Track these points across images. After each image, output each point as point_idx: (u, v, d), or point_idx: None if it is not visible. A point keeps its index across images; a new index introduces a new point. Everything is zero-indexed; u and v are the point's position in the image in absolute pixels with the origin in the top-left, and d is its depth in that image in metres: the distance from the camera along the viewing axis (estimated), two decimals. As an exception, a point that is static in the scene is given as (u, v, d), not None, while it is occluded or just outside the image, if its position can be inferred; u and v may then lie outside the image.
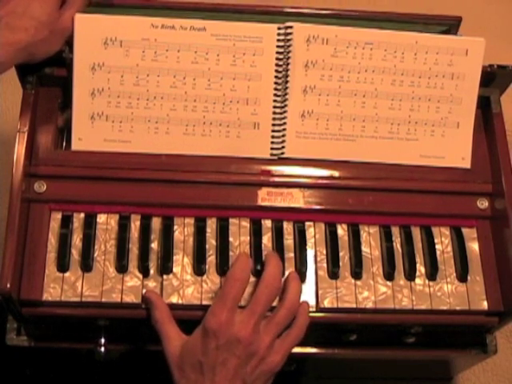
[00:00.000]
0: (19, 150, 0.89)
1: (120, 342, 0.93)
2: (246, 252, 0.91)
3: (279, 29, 0.93)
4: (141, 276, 0.89)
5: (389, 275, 0.92)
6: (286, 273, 0.90)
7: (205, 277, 0.90)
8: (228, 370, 0.81)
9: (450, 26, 1.00)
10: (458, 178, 0.97)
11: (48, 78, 0.94)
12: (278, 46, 0.93)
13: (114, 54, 0.92)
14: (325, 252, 0.93)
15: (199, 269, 0.90)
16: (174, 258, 0.90)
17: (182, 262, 0.90)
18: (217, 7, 0.97)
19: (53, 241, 0.90)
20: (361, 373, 1.12)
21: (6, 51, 0.85)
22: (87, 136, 0.93)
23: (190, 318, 0.86)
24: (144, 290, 0.89)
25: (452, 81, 0.96)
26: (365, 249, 0.93)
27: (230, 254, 0.91)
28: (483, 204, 0.96)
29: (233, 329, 0.82)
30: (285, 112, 0.95)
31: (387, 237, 0.94)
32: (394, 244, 0.94)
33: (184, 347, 0.83)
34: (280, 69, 0.94)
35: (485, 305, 0.92)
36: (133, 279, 0.89)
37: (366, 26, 0.95)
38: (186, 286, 0.89)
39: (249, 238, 0.93)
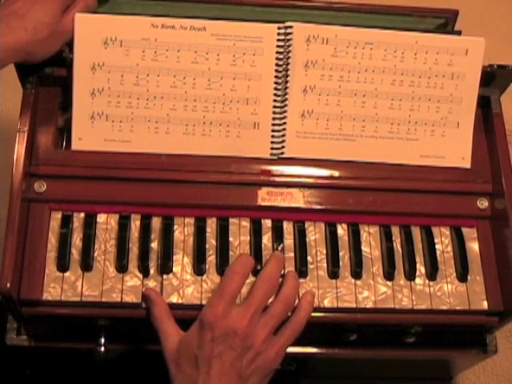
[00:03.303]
0: (19, 149, 0.89)
1: (120, 342, 0.93)
2: (247, 252, 0.91)
3: (279, 28, 0.93)
4: (141, 276, 0.89)
5: (389, 275, 0.92)
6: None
7: (205, 276, 0.90)
8: (224, 363, 0.81)
9: (446, 18, 1.00)
10: (458, 177, 0.97)
11: (48, 78, 0.94)
12: (277, 46, 0.93)
13: (114, 54, 0.92)
14: (325, 252, 0.93)
15: (199, 268, 0.90)
16: (174, 257, 0.90)
17: (181, 262, 0.90)
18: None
19: (53, 240, 0.90)
20: (361, 373, 1.12)
21: (5, 49, 0.85)
22: (87, 136, 0.93)
23: (189, 318, 0.86)
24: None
25: (452, 81, 0.96)
26: (365, 249, 0.93)
27: (230, 253, 0.91)
28: (483, 204, 0.96)
29: (229, 321, 0.82)
30: (285, 112, 0.95)
31: (387, 237, 0.94)
32: (394, 244, 0.94)
33: (181, 342, 0.83)
34: (280, 69, 0.94)
35: (485, 305, 0.92)
36: (133, 279, 0.89)
37: (362, 18, 0.96)
38: (185, 285, 0.89)
39: (249, 237, 0.93)
